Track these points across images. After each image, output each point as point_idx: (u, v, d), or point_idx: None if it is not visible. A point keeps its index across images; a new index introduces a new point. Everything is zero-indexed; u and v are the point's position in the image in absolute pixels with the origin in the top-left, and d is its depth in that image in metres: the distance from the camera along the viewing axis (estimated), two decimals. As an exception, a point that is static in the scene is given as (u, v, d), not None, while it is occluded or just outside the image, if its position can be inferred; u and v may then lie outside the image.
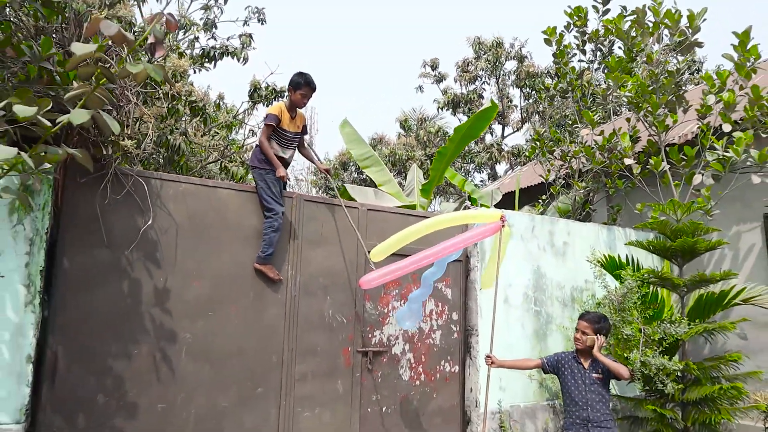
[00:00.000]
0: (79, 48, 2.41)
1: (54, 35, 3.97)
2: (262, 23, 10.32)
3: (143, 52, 4.01)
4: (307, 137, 5.30)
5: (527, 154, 9.43)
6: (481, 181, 20.74)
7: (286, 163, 5.12)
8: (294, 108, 5.12)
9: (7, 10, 3.73)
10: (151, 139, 4.51)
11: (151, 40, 2.74)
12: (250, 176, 9.24)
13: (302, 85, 5.01)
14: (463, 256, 5.87)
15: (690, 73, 15.20)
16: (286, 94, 5.18)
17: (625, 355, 5.20)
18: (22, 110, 2.32)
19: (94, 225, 4.20)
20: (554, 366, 4.48)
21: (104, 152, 3.99)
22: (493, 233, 4.75)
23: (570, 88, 7.73)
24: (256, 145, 5.05)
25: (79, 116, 2.41)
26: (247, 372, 4.68)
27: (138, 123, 7.93)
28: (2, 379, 3.77)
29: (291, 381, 4.84)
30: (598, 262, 5.92)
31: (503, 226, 4.70)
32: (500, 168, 19.82)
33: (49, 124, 2.40)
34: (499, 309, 5.85)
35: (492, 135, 19.95)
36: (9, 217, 3.85)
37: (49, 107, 2.74)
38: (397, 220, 5.56)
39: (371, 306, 5.33)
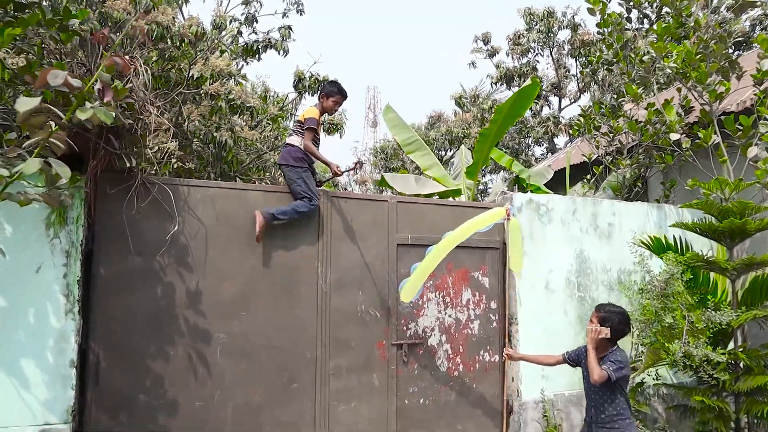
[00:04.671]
0: (22, 103, 2.49)
1: (73, 56, 4.14)
2: (301, 14, 10.39)
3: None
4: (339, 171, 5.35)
5: (571, 132, 9.08)
6: (542, 154, 20.23)
7: (313, 163, 5.21)
8: (323, 115, 5.35)
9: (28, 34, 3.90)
10: (174, 144, 4.61)
11: (98, 85, 2.81)
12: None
13: (335, 93, 5.28)
14: (501, 244, 5.76)
15: (762, 28, 14.18)
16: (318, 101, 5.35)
17: (667, 345, 4.96)
18: None
19: (125, 233, 4.38)
20: (575, 359, 4.31)
21: (128, 164, 4.13)
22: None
23: (615, 60, 7.36)
24: (287, 144, 5.13)
25: (31, 166, 2.49)
26: (281, 368, 4.79)
27: (187, 122, 8.17)
28: (49, 383, 4.02)
29: (326, 375, 4.92)
30: (643, 244, 5.66)
31: (508, 219, 4.67)
32: (560, 141, 19.26)
33: (6, 173, 2.50)
34: (540, 295, 5.74)
35: (549, 107, 19.36)
36: (46, 232, 4.08)
37: (54, 130, 2.86)
38: (428, 211, 5.52)
39: (405, 298, 5.31)
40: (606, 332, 3.92)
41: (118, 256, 4.38)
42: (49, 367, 4.02)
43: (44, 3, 7.93)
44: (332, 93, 5.25)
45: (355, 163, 5.53)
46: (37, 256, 4.05)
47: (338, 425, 4.93)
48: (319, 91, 5.42)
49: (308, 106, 5.34)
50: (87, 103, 3.05)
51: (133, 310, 4.39)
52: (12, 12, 3.50)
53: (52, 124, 2.61)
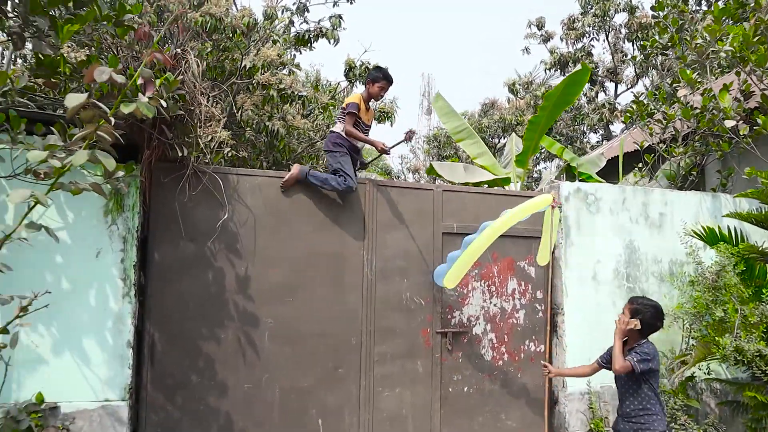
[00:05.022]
0: (70, 99, 2.63)
1: (130, 49, 4.31)
2: (351, 2, 10.43)
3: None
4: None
5: (623, 120, 8.84)
6: (597, 142, 19.76)
7: (358, 151, 5.28)
8: (369, 101, 5.33)
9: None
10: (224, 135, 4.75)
11: (140, 81, 2.93)
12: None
13: (380, 79, 5.27)
14: (547, 233, 5.70)
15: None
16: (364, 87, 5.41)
17: (717, 338, 4.82)
18: (34, 156, 2.60)
19: (178, 221, 4.55)
20: (609, 360, 4.24)
21: (180, 153, 4.28)
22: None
23: (670, 44, 7.12)
24: (331, 131, 5.24)
25: (79, 158, 2.64)
26: (327, 354, 4.91)
27: (240, 112, 8.36)
28: (109, 362, 4.25)
29: (371, 362, 5.01)
30: (696, 234, 5.49)
31: (553, 207, 4.65)
32: (617, 127, 18.77)
33: (59, 164, 2.66)
34: (588, 286, 5.67)
35: (605, 93, 18.85)
36: (105, 219, 4.29)
37: (100, 123, 3.02)
38: (474, 199, 5.51)
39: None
40: (635, 323, 3.87)
41: (171, 243, 4.56)
42: (108, 346, 4.25)
43: (104, -2, 8.24)
44: (377, 78, 5.27)
45: (406, 134, 5.36)
46: (97, 241, 4.27)
47: (382, 411, 5.02)
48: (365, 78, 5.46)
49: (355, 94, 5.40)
50: (140, 95, 3.20)
51: (186, 294, 4.57)
52: (72, 9, 3.67)
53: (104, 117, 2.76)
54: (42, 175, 3.13)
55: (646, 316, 3.89)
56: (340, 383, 4.92)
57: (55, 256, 4.14)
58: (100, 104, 2.75)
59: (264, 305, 4.76)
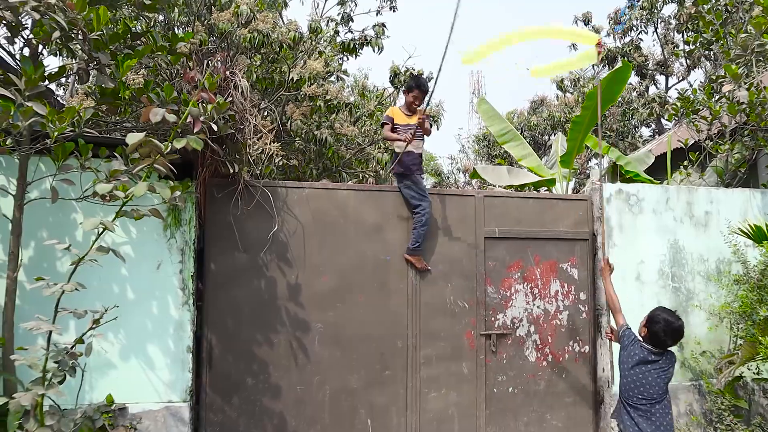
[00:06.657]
0: (130, 138, 2.91)
1: (185, 71, 4.61)
2: (394, 10, 10.65)
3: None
4: (427, 125, 5.39)
5: (667, 117, 8.71)
6: (650, 135, 19.34)
7: (420, 160, 5.38)
8: (409, 109, 5.38)
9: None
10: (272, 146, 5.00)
11: (189, 119, 3.19)
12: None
13: (413, 88, 5.36)
14: (590, 235, 5.75)
15: None
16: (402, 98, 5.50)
17: (761, 338, 4.79)
18: (102, 189, 2.89)
19: (232, 233, 4.85)
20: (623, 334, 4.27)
21: (231, 170, 4.56)
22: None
23: (715, 38, 7.02)
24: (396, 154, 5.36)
25: (140, 189, 2.92)
26: (375, 356, 5.12)
27: (289, 122, 8.67)
28: (171, 366, 4.57)
29: (416, 364, 5.19)
30: (742, 232, 5.44)
31: (599, 53, 4.79)
32: (669, 122, 18.30)
33: (122, 195, 2.94)
34: (632, 286, 5.70)
35: (656, 87, 18.42)
36: (164, 233, 4.61)
37: (156, 158, 3.30)
38: (515, 204, 5.62)
39: (493, 290, 5.47)
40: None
41: (226, 253, 4.86)
42: (170, 351, 4.57)
43: (159, 17, 8.66)
44: (411, 88, 5.35)
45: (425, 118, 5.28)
46: (158, 254, 4.60)
47: (429, 411, 5.19)
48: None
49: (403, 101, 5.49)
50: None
51: (240, 301, 4.86)
52: (129, 42, 3.98)
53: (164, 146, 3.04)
54: (108, 198, 3.44)
55: (654, 327, 3.89)
56: (387, 385, 5.12)
57: (121, 269, 4.48)
58: (156, 141, 3.03)
59: (314, 311, 5.00)
